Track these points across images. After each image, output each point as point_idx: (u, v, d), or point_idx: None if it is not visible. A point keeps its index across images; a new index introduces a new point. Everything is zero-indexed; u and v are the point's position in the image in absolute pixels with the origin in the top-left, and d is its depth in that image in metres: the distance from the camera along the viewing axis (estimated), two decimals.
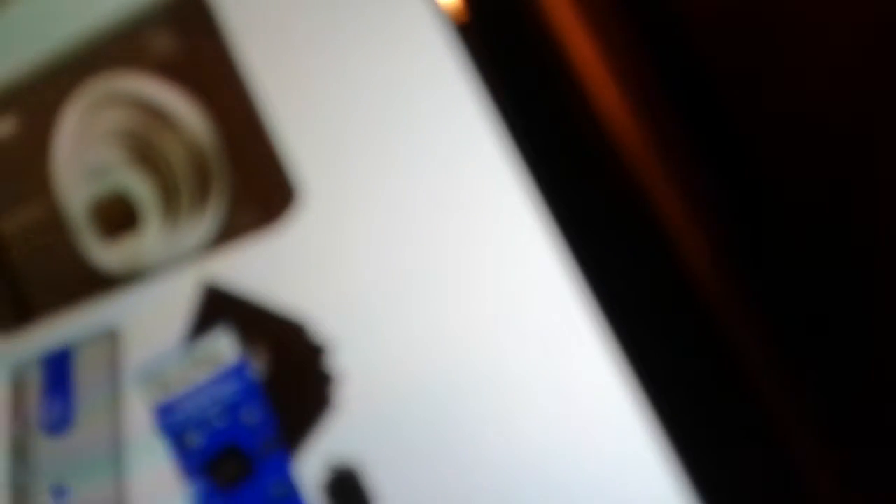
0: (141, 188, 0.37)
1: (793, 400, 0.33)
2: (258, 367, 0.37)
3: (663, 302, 0.33)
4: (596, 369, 0.32)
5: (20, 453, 0.40)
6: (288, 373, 0.36)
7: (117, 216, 0.38)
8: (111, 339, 0.39)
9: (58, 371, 0.40)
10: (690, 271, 0.33)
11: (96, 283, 0.39)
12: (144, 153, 0.38)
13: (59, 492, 0.39)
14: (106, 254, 0.38)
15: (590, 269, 0.33)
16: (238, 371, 0.37)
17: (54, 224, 0.39)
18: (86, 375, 0.39)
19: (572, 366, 0.33)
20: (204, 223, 0.37)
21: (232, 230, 0.37)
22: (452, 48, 0.33)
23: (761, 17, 0.35)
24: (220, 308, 0.37)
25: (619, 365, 0.32)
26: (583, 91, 0.34)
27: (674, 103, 0.35)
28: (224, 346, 0.37)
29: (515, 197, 0.33)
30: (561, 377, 0.33)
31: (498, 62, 0.34)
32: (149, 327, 0.38)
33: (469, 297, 0.34)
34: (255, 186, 0.36)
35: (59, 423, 0.40)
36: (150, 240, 0.37)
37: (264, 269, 0.36)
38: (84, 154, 0.39)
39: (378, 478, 0.35)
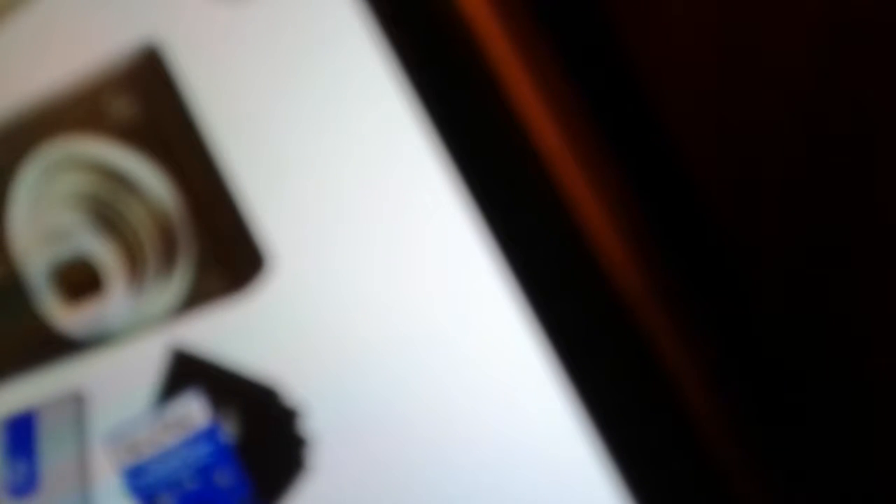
0: (104, 252, 0.37)
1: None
2: (229, 430, 0.37)
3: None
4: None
5: None
6: (260, 436, 0.37)
7: (80, 280, 0.38)
8: (76, 402, 0.39)
9: (21, 434, 0.40)
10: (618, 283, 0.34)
11: (59, 346, 0.39)
12: (107, 217, 0.37)
13: None
14: (68, 318, 0.38)
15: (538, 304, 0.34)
16: (209, 434, 0.37)
17: (13, 286, 0.39)
18: (50, 438, 0.39)
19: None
20: (171, 288, 0.37)
21: (200, 296, 0.37)
22: (416, 114, 0.34)
23: None
24: (189, 372, 0.37)
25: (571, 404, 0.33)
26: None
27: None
28: (195, 410, 0.37)
29: (474, 249, 0.34)
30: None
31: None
32: (115, 391, 0.38)
33: (441, 358, 0.35)
34: (222, 252, 0.36)
35: (24, 485, 0.39)
36: (114, 304, 0.37)
37: (233, 334, 0.37)
38: (43, 217, 0.38)
39: None
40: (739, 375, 0.36)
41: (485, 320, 0.34)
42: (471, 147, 0.34)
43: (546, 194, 0.34)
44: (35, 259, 0.38)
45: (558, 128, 0.33)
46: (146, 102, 0.37)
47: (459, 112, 0.34)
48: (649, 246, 0.35)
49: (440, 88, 0.34)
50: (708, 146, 0.36)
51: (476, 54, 0.34)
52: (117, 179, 0.37)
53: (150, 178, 0.37)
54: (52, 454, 0.39)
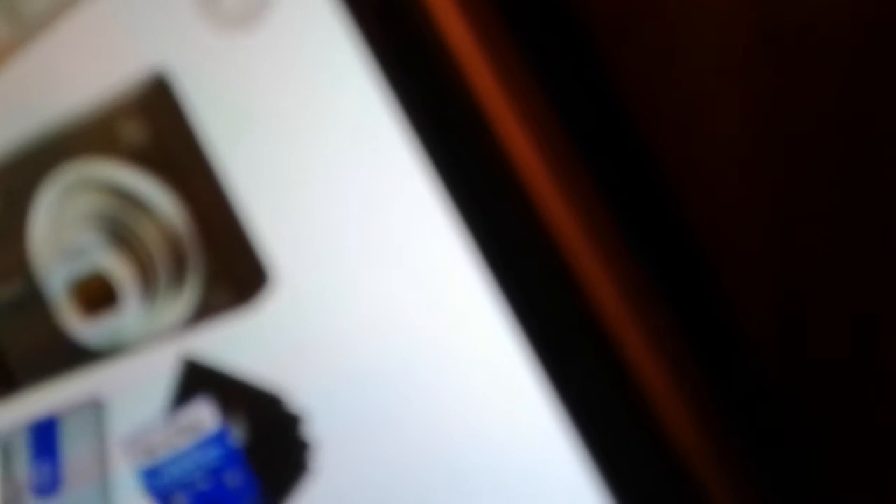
0: (119, 268, 0.40)
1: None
2: (238, 434, 0.39)
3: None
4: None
5: None
6: (266, 440, 0.39)
7: (96, 294, 0.40)
8: (96, 408, 0.41)
9: (45, 438, 0.42)
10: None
11: (79, 356, 0.41)
12: (120, 235, 0.40)
13: None
14: (86, 329, 0.41)
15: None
16: (219, 438, 0.39)
17: (35, 300, 0.42)
18: (72, 442, 0.42)
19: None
20: (181, 302, 0.40)
21: (208, 308, 0.39)
22: (411, 142, 0.36)
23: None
24: (199, 380, 0.40)
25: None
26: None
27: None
28: (205, 415, 0.40)
29: (466, 267, 0.36)
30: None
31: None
32: (130, 397, 0.41)
33: (436, 366, 0.37)
34: (228, 268, 0.39)
35: (48, 486, 0.42)
36: (129, 317, 0.40)
37: (240, 344, 0.39)
38: (61, 235, 0.41)
39: None
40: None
41: (479, 332, 0.36)
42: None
43: (526, 209, 0.36)
44: (54, 274, 0.41)
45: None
46: (155, 127, 0.39)
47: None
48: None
49: (436, 124, 0.36)
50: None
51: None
52: (129, 200, 0.40)
53: (160, 198, 0.39)
54: (74, 456, 0.42)
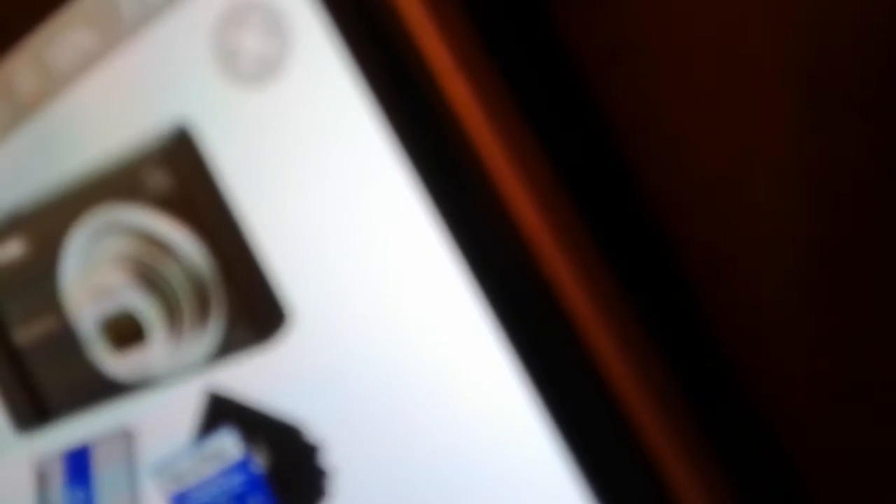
0: (146, 308, 0.42)
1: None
2: (260, 462, 0.42)
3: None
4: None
5: None
6: (287, 467, 0.42)
7: (126, 332, 0.43)
8: (126, 437, 0.44)
9: (79, 464, 0.45)
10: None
11: (110, 389, 0.44)
12: (148, 277, 0.42)
13: None
14: (116, 364, 0.43)
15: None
16: (243, 465, 0.42)
17: (67, 337, 0.44)
18: (105, 469, 0.45)
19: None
20: (205, 339, 0.42)
21: (231, 345, 0.42)
22: (418, 187, 0.39)
23: None
24: (223, 412, 0.42)
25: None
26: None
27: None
28: (229, 445, 0.42)
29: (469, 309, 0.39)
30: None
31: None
32: (159, 428, 0.44)
33: (454, 403, 0.39)
34: (249, 308, 0.41)
35: None
36: (157, 353, 0.42)
37: (261, 378, 0.42)
38: (92, 276, 0.43)
39: None
40: None
41: (495, 374, 0.38)
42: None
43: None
44: (86, 314, 0.43)
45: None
46: (178, 175, 0.42)
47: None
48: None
49: (442, 173, 0.38)
50: None
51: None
52: (156, 243, 0.42)
53: (183, 241, 0.42)
54: (107, 483, 0.45)
